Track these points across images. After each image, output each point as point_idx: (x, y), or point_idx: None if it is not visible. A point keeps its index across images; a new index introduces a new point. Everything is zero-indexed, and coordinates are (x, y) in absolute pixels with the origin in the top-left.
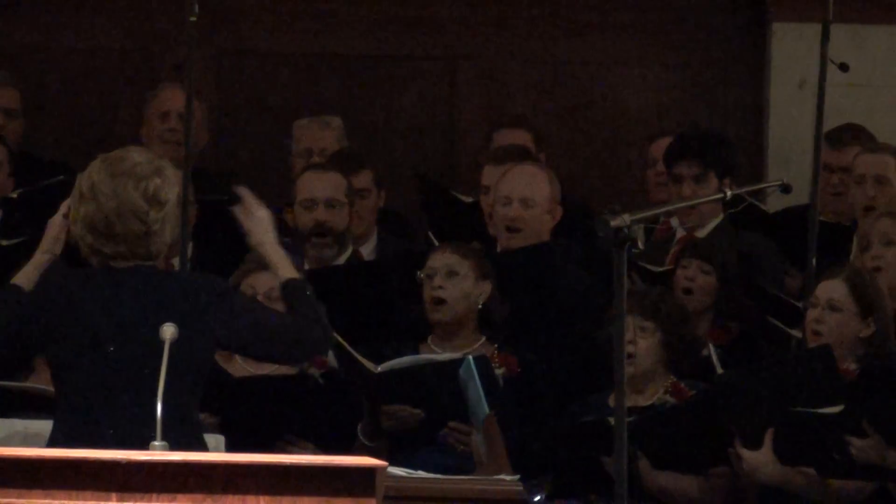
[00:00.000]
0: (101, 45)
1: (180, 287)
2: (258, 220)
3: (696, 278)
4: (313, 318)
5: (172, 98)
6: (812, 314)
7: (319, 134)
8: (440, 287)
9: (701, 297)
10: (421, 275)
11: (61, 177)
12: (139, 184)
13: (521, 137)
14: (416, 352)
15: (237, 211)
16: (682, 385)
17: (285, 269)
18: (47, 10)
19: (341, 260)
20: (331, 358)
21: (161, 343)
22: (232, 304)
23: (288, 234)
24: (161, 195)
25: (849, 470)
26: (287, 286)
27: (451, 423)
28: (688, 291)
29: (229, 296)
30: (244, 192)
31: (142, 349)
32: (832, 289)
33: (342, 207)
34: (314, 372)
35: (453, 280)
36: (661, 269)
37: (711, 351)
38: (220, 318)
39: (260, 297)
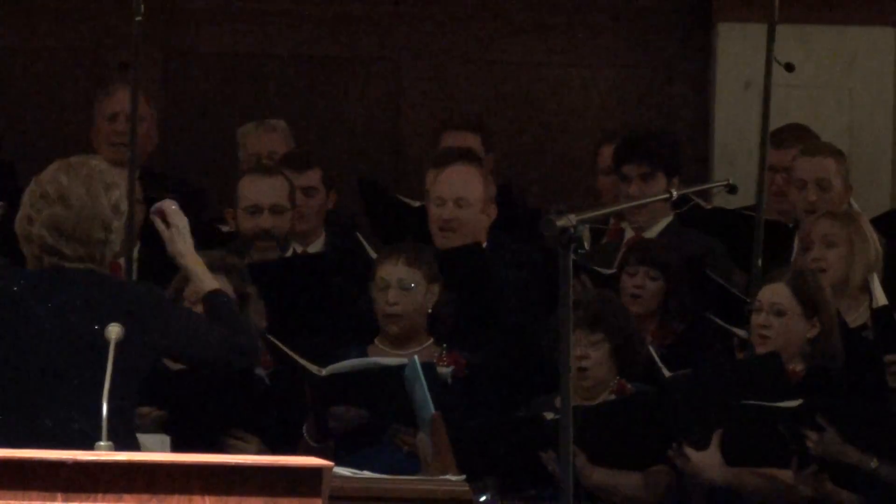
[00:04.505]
0: (46, 45)
1: (124, 293)
2: (178, 231)
3: (643, 285)
4: (240, 329)
5: (121, 100)
6: (757, 319)
7: (265, 138)
8: (395, 303)
9: (648, 303)
10: (373, 286)
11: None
12: (108, 192)
13: (470, 139)
14: (365, 354)
15: (157, 222)
16: (628, 385)
17: (207, 281)
18: None
19: None
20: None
21: (103, 345)
22: (170, 312)
23: (229, 236)
24: (121, 206)
25: (802, 461)
26: (210, 298)
27: (397, 425)
28: (635, 297)
29: (168, 304)
30: (165, 203)
31: (85, 351)
32: (776, 293)
33: (286, 212)
34: (260, 371)
35: (407, 294)
36: (610, 272)
37: (653, 352)
38: (160, 325)
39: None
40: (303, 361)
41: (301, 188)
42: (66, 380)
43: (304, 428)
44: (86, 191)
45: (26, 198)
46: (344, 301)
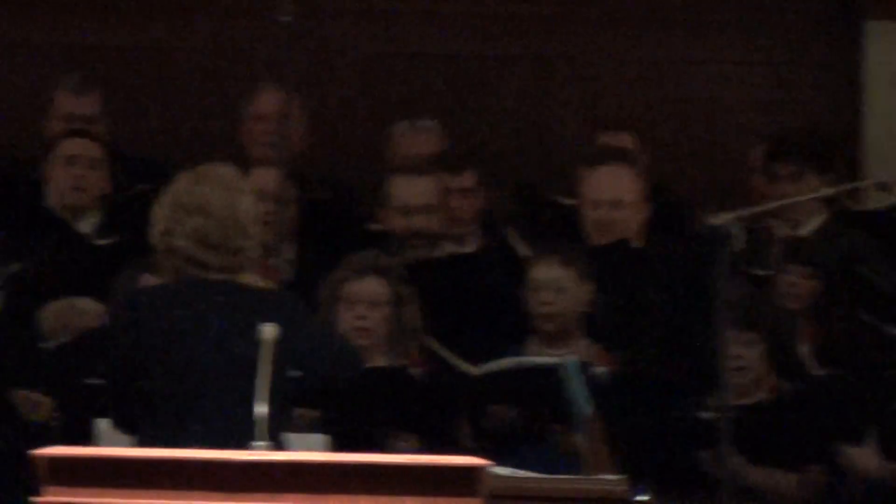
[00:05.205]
0: (194, 45)
1: (264, 302)
2: None
3: (799, 284)
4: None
5: (270, 100)
6: None
7: (417, 138)
8: (550, 303)
9: (803, 302)
10: (527, 286)
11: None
12: (243, 198)
13: (625, 139)
14: (520, 353)
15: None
16: (783, 384)
17: None
18: (140, 8)
19: None
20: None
21: (248, 354)
22: (306, 321)
23: (379, 235)
24: (254, 211)
25: None
26: None
27: (556, 424)
28: (791, 297)
29: (305, 313)
30: None
31: (231, 361)
32: None
33: (437, 212)
34: (415, 371)
35: (561, 295)
36: (766, 273)
37: (804, 351)
38: (297, 336)
39: (364, 305)
40: (457, 361)
41: (457, 190)
42: (213, 388)
43: (461, 428)
44: (224, 199)
45: (163, 211)
46: (498, 300)
